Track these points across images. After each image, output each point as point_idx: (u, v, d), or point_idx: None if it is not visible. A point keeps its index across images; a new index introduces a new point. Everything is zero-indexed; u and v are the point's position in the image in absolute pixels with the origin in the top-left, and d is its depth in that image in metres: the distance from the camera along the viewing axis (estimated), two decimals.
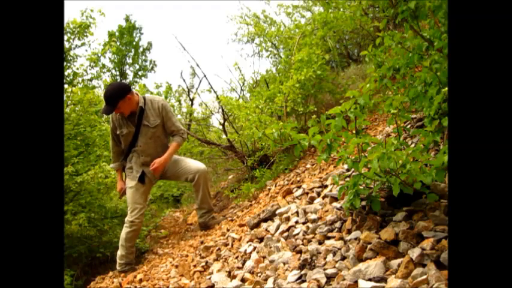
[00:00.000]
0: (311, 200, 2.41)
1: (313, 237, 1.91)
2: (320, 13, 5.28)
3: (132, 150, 3.34)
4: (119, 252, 3.15)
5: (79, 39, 6.74)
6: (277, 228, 2.26)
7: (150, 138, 3.28)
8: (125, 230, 3.15)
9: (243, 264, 2.06)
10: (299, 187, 2.84)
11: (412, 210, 1.64)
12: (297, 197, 2.64)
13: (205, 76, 5.95)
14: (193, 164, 3.52)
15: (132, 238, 3.14)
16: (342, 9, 5.17)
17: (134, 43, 21.57)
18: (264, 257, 1.97)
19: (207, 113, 7.15)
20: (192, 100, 7.13)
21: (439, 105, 1.83)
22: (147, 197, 3.41)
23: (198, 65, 5.54)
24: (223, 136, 5.65)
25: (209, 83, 8.19)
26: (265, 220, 2.53)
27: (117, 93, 3.06)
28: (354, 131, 1.81)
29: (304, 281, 1.56)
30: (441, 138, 1.91)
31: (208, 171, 3.56)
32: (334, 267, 1.57)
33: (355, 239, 1.68)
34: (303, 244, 1.89)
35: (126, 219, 3.16)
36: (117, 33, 19.95)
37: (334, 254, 1.67)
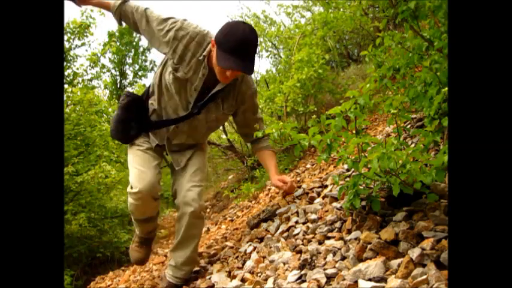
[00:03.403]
0: (311, 200, 2.41)
1: (313, 237, 1.91)
2: (320, 13, 5.28)
3: (158, 116, 2.18)
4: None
5: (79, 39, 6.75)
6: (277, 228, 2.26)
7: (199, 127, 2.16)
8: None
9: (243, 264, 2.06)
10: (299, 187, 2.83)
11: (412, 210, 1.64)
12: (297, 197, 2.64)
13: None
14: (199, 184, 2.18)
15: (138, 210, 2.09)
16: (342, 9, 5.17)
17: (134, 43, 21.57)
18: (264, 257, 1.97)
19: None
20: None
21: (439, 105, 1.83)
22: (159, 170, 2.19)
23: None
24: (223, 136, 5.65)
25: None
26: (265, 220, 2.53)
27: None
28: (354, 131, 1.81)
29: (304, 281, 1.56)
30: (441, 138, 1.91)
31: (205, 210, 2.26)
32: (334, 267, 1.57)
33: (355, 239, 1.68)
34: (303, 244, 1.89)
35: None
36: (117, 33, 19.94)
37: (334, 254, 1.67)
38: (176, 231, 2.19)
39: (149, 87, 2.23)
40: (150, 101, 2.20)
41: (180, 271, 2.17)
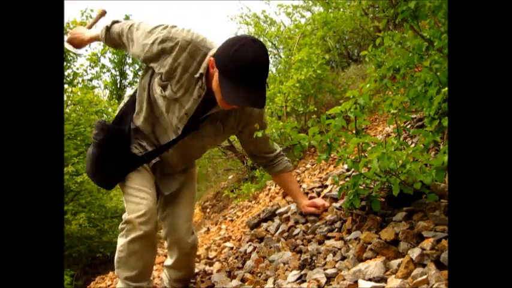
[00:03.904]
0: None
1: (313, 237, 1.91)
2: (320, 13, 5.29)
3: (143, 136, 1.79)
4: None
5: None
6: (277, 228, 2.26)
7: (193, 152, 1.86)
8: (121, 239, 1.68)
9: (243, 264, 2.06)
10: (299, 187, 2.83)
11: (412, 210, 1.64)
12: None
13: None
14: (190, 222, 1.94)
15: (132, 254, 1.64)
16: (342, 9, 5.17)
17: None
18: (264, 257, 1.97)
19: None
20: None
21: (439, 105, 1.83)
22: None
23: None
24: None
25: None
26: (265, 220, 2.53)
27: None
28: (354, 131, 1.81)
29: (304, 281, 1.56)
30: (441, 138, 1.91)
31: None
32: (334, 267, 1.57)
33: (355, 239, 1.68)
34: (303, 244, 1.89)
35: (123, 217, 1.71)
36: None
37: (334, 254, 1.67)
38: (168, 254, 2.02)
39: (129, 102, 1.80)
40: (135, 120, 1.76)
41: (176, 283, 2.08)
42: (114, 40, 1.77)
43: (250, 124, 1.77)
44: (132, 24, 1.68)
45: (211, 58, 1.51)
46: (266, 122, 1.87)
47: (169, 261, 2.02)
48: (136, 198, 1.66)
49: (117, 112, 1.84)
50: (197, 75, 1.57)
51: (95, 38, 1.88)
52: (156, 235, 1.70)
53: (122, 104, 1.86)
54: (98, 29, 1.84)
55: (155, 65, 1.61)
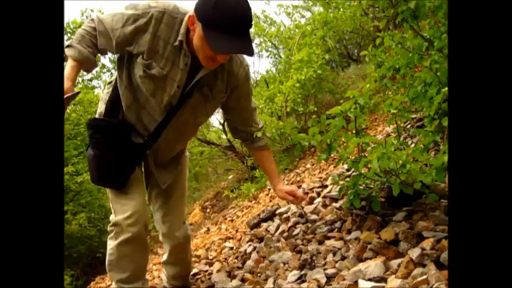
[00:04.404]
0: (311, 200, 2.41)
1: (313, 237, 1.91)
2: (320, 13, 5.29)
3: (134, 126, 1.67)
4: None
5: None
6: (277, 228, 2.26)
7: (186, 126, 1.70)
8: (110, 241, 1.64)
9: (243, 264, 2.06)
10: (299, 187, 2.84)
11: (412, 210, 1.64)
12: None
13: None
14: (182, 214, 1.93)
15: (122, 256, 1.61)
16: (342, 9, 5.17)
17: None
18: (264, 257, 1.97)
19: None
20: None
21: (439, 105, 1.83)
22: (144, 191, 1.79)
23: None
24: (223, 136, 5.65)
25: None
26: (265, 220, 2.53)
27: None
28: (354, 131, 1.81)
29: (304, 281, 1.56)
30: (441, 138, 1.91)
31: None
32: (334, 267, 1.57)
33: (355, 239, 1.68)
34: (303, 244, 1.89)
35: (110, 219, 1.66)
36: None
37: (334, 254, 1.67)
38: (164, 248, 2.00)
39: (112, 100, 1.67)
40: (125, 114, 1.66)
41: (175, 281, 2.04)
42: (87, 49, 1.51)
43: (238, 88, 1.67)
44: (92, 19, 1.54)
45: (190, 14, 1.43)
46: (251, 88, 1.77)
47: (164, 257, 2.00)
48: (123, 198, 1.60)
49: (103, 107, 1.69)
50: (176, 43, 1.48)
51: (72, 71, 1.49)
52: (146, 235, 1.64)
53: (105, 96, 1.70)
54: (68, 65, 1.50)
55: (131, 47, 1.51)
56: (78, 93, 1.44)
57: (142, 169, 1.81)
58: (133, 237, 1.56)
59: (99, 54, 1.61)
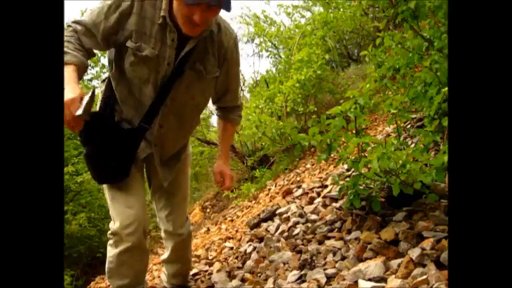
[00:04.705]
0: (311, 200, 2.42)
1: (313, 237, 1.91)
2: (320, 13, 5.29)
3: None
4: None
5: None
6: (277, 228, 2.26)
7: (184, 108, 1.63)
8: (110, 248, 1.62)
9: (243, 264, 2.06)
10: (299, 187, 2.84)
11: (412, 210, 1.64)
12: (297, 197, 2.64)
13: None
14: (185, 211, 1.91)
15: (122, 264, 1.59)
16: (342, 9, 5.17)
17: None
18: (264, 257, 1.97)
19: (207, 113, 7.16)
20: None
21: (439, 105, 1.83)
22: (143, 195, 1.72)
23: None
24: None
25: None
26: (265, 220, 2.53)
27: None
28: (354, 131, 1.81)
29: (304, 281, 1.56)
30: (441, 138, 1.91)
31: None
32: (334, 267, 1.57)
33: (355, 239, 1.68)
34: (303, 244, 1.89)
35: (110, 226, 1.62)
36: None
37: (334, 254, 1.67)
38: (165, 245, 1.98)
39: (105, 96, 1.63)
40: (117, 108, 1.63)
41: (175, 279, 2.02)
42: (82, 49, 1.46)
43: (227, 58, 1.64)
44: (69, 25, 1.49)
45: None
46: (239, 59, 1.73)
47: (165, 255, 1.97)
48: (122, 205, 1.56)
49: (98, 105, 1.63)
50: (160, 20, 1.47)
51: (74, 74, 1.41)
52: (145, 241, 1.62)
53: (100, 95, 1.67)
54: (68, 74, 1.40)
55: (118, 36, 1.48)
56: (94, 91, 1.38)
57: (144, 170, 1.78)
58: (132, 246, 1.55)
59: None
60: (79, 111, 1.32)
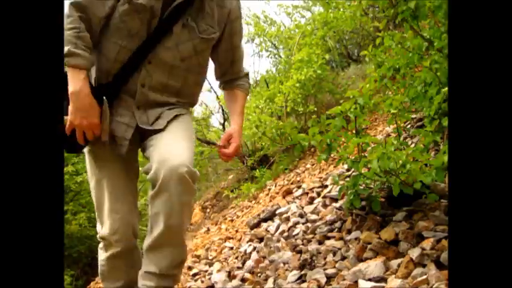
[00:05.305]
0: (311, 200, 2.41)
1: (313, 237, 1.91)
2: (320, 13, 5.29)
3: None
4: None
5: None
6: (277, 228, 2.27)
7: (183, 61, 1.43)
8: (100, 251, 1.52)
9: (243, 264, 2.06)
10: (299, 187, 2.84)
11: (412, 210, 1.64)
12: (297, 197, 2.64)
13: None
14: (186, 150, 1.38)
15: (114, 268, 1.49)
16: (342, 9, 5.17)
17: None
18: (264, 257, 1.97)
19: (207, 113, 7.16)
20: None
21: (439, 105, 1.83)
22: (136, 189, 1.54)
23: None
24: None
25: (209, 83, 8.19)
26: (265, 220, 2.53)
27: None
28: (354, 131, 1.81)
29: (304, 281, 1.56)
30: (441, 138, 1.91)
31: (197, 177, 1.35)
32: (334, 267, 1.57)
33: (355, 239, 1.68)
34: (303, 244, 1.89)
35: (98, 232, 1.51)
36: None
37: (334, 254, 1.67)
38: (152, 221, 1.33)
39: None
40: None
41: (168, 278, 1.39)
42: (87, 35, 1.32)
43: (230, 24, 1.50)
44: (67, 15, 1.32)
45: None
46: (242, 26, 1.59)
47: (152, 236, 1.34)
48: (107, 210, 1.42)
49: None
50: None
51: (86, 82, 1.31)
52: (135, 243, 1.52)
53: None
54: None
55: None
56: (107, 106, 1.34)
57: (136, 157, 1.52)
58: (122, 251, 1.46)
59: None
60: (105, 138, 1.32)
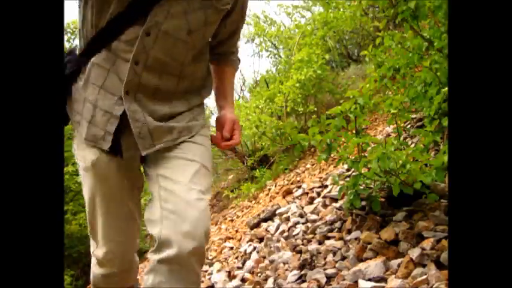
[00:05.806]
0: (311, 200, 2.41)
1: (313, 237, 1.91)
2: (320, 13, 5.29)
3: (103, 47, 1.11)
4: None
5: None
6: (277, 228, 2.26)
7: (190, 34, 1.11)
8: (93, 265, 1.35)
9: (243, 264, 2.06)
10: (299, 187, 2.84)
11: (412, 210, 1.64)
12: (297, 197, 2.64)
13: None
14: (201, 200, 1.06)
15: (109, 283, 1.34)
16: (342, 9, 5.17)
17: None
18: (264, 257, 1.97)
19: (207, 113, 7.16)
20: None
21: (439, 105, 1.83)
22: (138, 204, 1.28)
23: None
24: None
25: None
26: (265, 220, 2.53)
27: None
28: (354, 131, 1.81)
29: (304, 281, 1.56)
30: (441, 138, 1.91)
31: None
32: (334, 267, 1.57)
33: (355, 239, 1.68)
34: (303, 244, 1.89)
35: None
36: None
37: (334, 254, 1.67)
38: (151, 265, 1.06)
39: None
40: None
41: None
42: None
43: (241, 4, 1.23)
44: None
45: None
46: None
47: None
48: (101, 236, 1.24)
49: None
50: None
51: None
52: (132, 261, 1.35)
53: None
54: None
55: None
56: None
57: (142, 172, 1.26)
58: (118, 272, 1.30)
59: None
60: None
